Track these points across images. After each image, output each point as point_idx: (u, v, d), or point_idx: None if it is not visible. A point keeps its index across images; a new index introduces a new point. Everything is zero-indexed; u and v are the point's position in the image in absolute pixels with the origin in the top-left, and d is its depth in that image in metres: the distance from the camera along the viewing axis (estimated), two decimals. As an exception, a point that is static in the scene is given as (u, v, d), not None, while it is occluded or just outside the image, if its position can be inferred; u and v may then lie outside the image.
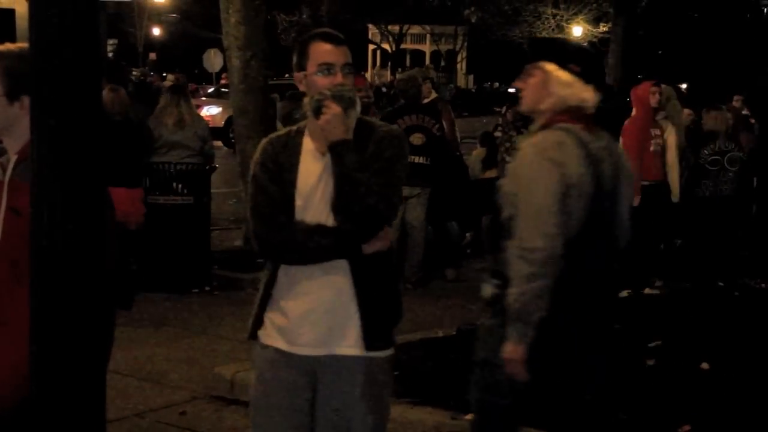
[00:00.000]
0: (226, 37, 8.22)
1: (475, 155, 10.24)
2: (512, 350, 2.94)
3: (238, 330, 6.44)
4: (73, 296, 1.89)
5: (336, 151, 2.73)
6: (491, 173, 10.03)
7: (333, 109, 2.73)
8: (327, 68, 2.78)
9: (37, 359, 1.94)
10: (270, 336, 2.89)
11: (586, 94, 3.02)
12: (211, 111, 21.48)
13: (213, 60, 25.90)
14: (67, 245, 1.88)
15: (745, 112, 11.30)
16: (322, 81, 2.77)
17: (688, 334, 6.40)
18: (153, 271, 7.49)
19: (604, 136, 3.07)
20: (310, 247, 2.77)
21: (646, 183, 7.64)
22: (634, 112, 7.92)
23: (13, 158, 2.54)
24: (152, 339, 6.31)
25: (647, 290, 7.75)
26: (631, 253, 7.55)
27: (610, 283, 3.16)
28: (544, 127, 3.01)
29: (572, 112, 3.00)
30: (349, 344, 2.81)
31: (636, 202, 7.71)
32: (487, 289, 3.09)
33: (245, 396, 5.13)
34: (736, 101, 11.74)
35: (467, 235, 9.84)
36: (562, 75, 3.01)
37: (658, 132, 7.80)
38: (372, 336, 2.83)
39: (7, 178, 2.52)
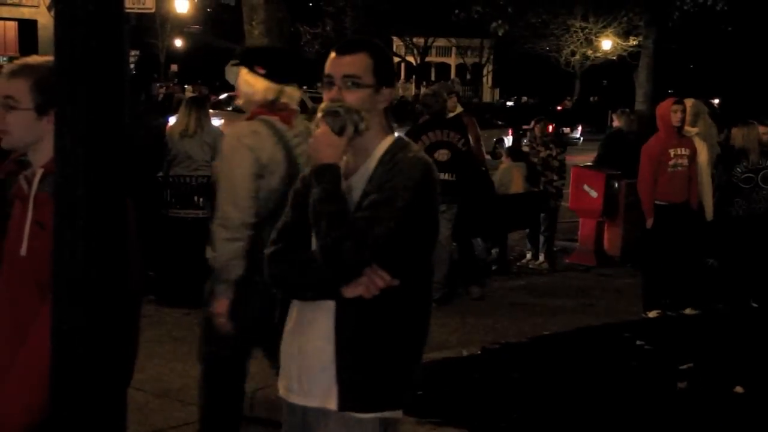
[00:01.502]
0: (249, 49, 8.17)
1: (502, 170, 10.11)
2: (218, 305, 3.56)
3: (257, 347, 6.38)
4: (95, 313, 1.88)
5: (315, 176, 2.45)
6: (519, 188, 9.91)
7: (320, 128, 2.47)
8: (328, 80, 2.52)
9: (58, 376, 1.94)
10: (279, 378, 2.67)
11: (276, 91, 3.66)
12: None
13: (235, 72, 25.91)
14: (89, 259, 1.87)
15: None
16: (325, 95, 2.54)
17: (721, 356, 6.24)
18: (172, 285, 7.43)
19: (301, 125, 3.70)
20: (291, 283, 2.55)
21: (662, 203, 7.48)
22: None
23: (39, 171, 2.53)
24: (170, 354, 6.22)
25: (688, 311, 7.58)
26: (661, 276, 7.51)
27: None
28: (249, 119, 3.65)
29: (269, 107, 3.64)
30: (329, 397, 2.50)
31: (648, 224, 7.57)
32: (208, 252, 3.59)
33: (264, 414, 5.09)
34: None
35: (493, 251, 9.70)
36: (249, 77, 3.72)
37: (682, 151, 7.56)
38: (348, 393, 2.49)
39: (33, 192, 2.51)
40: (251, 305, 3.61)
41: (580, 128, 32.60)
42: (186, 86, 24.35)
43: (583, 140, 31.37)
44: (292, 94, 3.75)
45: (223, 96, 24.86)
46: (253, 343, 3.87)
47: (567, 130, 29.21)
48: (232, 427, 4.03)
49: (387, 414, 2.51)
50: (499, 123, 25.73)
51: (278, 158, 3.58)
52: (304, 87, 25.32)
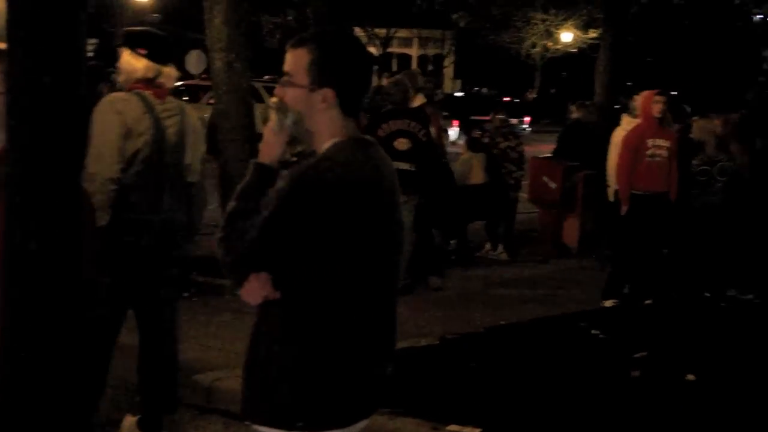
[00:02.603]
0: (209, 39, 8.09)
1: (462, 161, 10.15)
2: None
3: (217, 337, 6.36)
4: (47, 301, 1.83)
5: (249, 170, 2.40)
6: (478, 179, 9.96)
7: (269, 124, 2.40)
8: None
9: (8, 366, 1.89)
10: None
11: (155, 70, 4.18)
12: None
13: (196, 62, 25.59)
14: (41, 247, 1.83)
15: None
16: None
17: (674, 345, 6.34)
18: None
19: (173, 102, 4.28)
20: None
21: (638, 192, 7.56)
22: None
23: None
24: (128, 346, 6.18)
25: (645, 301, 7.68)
26: (633, 265, 7.60)
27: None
28: (128, 91, 4.17)
29: (144, 83, 4.17)
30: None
31: (623, 211, 7.67)
32: None
33: (223, 405, 5.08)
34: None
35: (452, 242, 9.76)
36: (130, 57, 4.19)
37: (662, 142, 7.63)
38: (245, 403, 2.43)
39: None
40: (119, 261, 4.16)
41: (528, 119, 32.65)
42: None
43: (534, 131, 31.50)
44: (170, 74, 4.29)
45: (178, 84, 24.60)
46: (126, 301, 4.32)
47: (514, 121, 29.29)
48: (98, 385, 4.33)
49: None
50: (445, 114, 25.45)
51: (146, 124, 4.12)
52: (266, 77, 25.15)
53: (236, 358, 5.15)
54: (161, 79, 4.25)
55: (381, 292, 2.44)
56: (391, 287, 2.48)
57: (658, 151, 7.59)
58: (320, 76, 2.34)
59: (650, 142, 7.58)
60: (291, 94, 2.37)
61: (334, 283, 2.32)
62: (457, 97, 36.94)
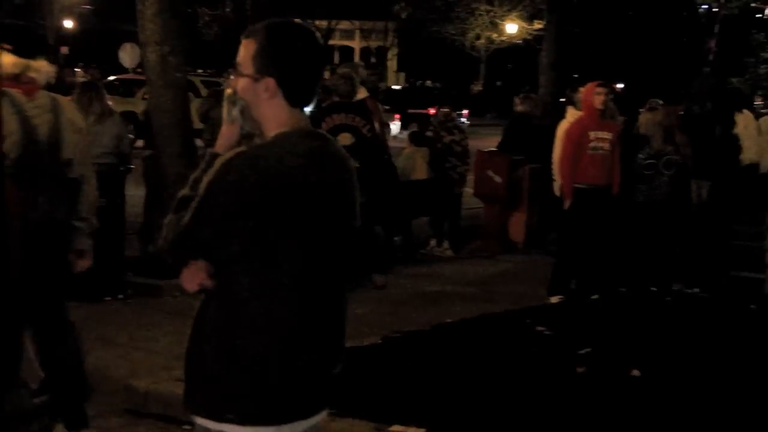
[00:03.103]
0: (142, 31, 7.87)
1: (405, 156, 10.04)
2: None
3: (153, 340, 6.18)
4: None
5: None
6: (421, 174, 9.86)
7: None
8: None
9: None
10: None
11: (21, 66, 4.08)
12: None
13: (129, 55, 25.12)
14: None
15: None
16: None
17: (619, 340, 6.31)
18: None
19: (44, 98, 4.16)
20: None
21: (580, 186, 7.50)
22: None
23: None
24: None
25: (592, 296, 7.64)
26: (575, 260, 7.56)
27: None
28: None
29: (14, 80, 4.05)
30: None
31: (566, 205, 7.61)
32: None
33: (160, 410, 4.92)
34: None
35: (396, 239, 9.64)
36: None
37: (604, 135, 7.55)
38: (185, 392, 2.44)
39: None
40: None
41: (466, 112, 32.74)
42: (76, 69, 23.39)
43: (475, 125, 31.61)
44: (40, 68, 4.19)
45: (111, 78, 24.15)
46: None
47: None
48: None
49: (211, 424, 2.35)
50: (386, 108, 25.38)
51: (12, 126, 3.99)
52: (199, 70, 24.81)
53: (174, 361, 5.02)
54: (31, 75, 4.14)
55: (323, 289, 2.39)
56: (337, 284, 2.44)
57: (601, 144, 7.53)
58: (263, 65, 2.35)
59: (593, 134, 7.52)
60: (240, 84, 2.40)
61: (263, 275, 2.30)
62: (399, 89, 36.93)
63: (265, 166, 2.27)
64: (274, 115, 2.38)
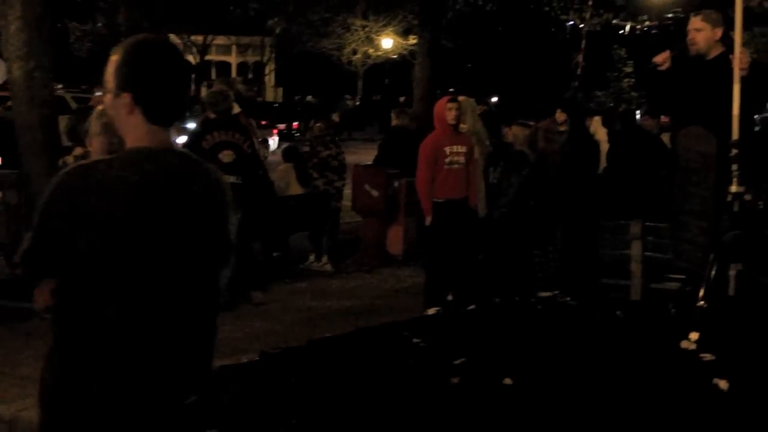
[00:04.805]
0: (5, 47, 7.61)
1: (280, 171, 10.02)
2: None
3: (20, 365, 5.95)
4: None
5: None
6: (297, 190, 9.85)
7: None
8: None
9: None
10: None
11: None
12: None
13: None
14: None
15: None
16: None
17: (493, 350, 6.43)
18: None
19: None
20: None
21: (439, 200, 7.65)
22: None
23: None
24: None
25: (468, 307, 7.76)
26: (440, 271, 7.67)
27: None
28: None
29: None
30: None
31: (427, 222, 7.75)
32: None
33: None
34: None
35: (275, 255, 9.59)
36: None
37: (459, 149, 7.73)
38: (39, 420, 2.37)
39: None
40: None
41: (295, 125, 32.77)
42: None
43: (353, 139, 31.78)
44: None
45: None
46: None
47: (281, 126, 29.40)
48: None
49: None
50: (263, 123, 25.21)
51: None
52: (62, 86, 24.06)
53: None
54: None
55: (172, 314, 2.30)
56: (194, 309, 2.36)
57: (456, 158, 7.70)
58: (121, 81, 2.34)
59: (448, 149, 7.68)
60: (105, 100, 2.39)
61: (97, 298, 2.22)
62: (277, 104, 36.68)
63: (96, 184, 2.21)
64: (132, 131, 2.36)
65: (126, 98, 2.33)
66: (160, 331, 2.28)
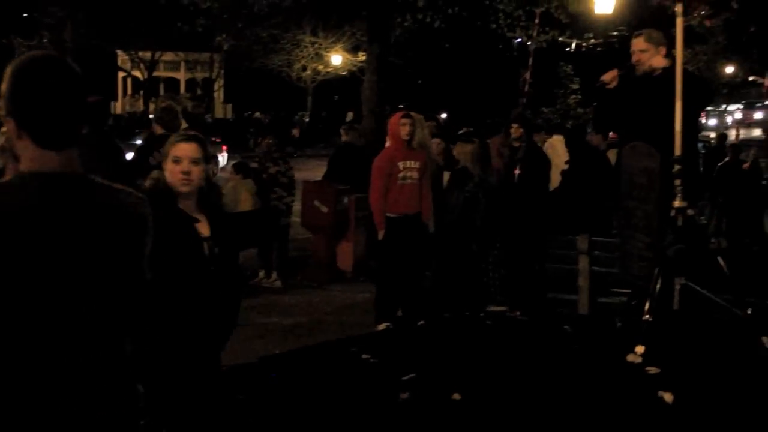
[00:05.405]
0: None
1: (230, 187, 9.96)
2: None
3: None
4: None
5: None
6: (247, 206, 9.80)
7: None
8: None
9: None
10: None
11: None
12: None
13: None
14: None
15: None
16: None
17: (442, 365, 6.46)
18: None
19: None
20: None
21: (393, 215, 7.66)
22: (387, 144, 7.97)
23: None
24: None
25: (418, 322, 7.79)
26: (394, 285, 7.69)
27: None
28: None
29: None
30: None
31: (380, 236, 7.75)
32: None
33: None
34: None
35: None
36: None
37: (412, 164, 7.74)
38: None
39: None
40: None
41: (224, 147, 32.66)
42: None
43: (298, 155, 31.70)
44: None
45: None
46: None
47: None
48: None
49: None
50: (214, 140, 25.01)
51: None
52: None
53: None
54: None
55: (85, 350, 2.14)
56: (111, 341, 2.20)
57: (410, 173, 7.73)
58: (6, 105, 2.21)
59: (401, 164, 7.70)
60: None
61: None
62: (226, 121, 36.46)
63: None
64: (24, 155, 2.21)
65: (11, 123, 2.21)
66: (54, 382, 2.12)
